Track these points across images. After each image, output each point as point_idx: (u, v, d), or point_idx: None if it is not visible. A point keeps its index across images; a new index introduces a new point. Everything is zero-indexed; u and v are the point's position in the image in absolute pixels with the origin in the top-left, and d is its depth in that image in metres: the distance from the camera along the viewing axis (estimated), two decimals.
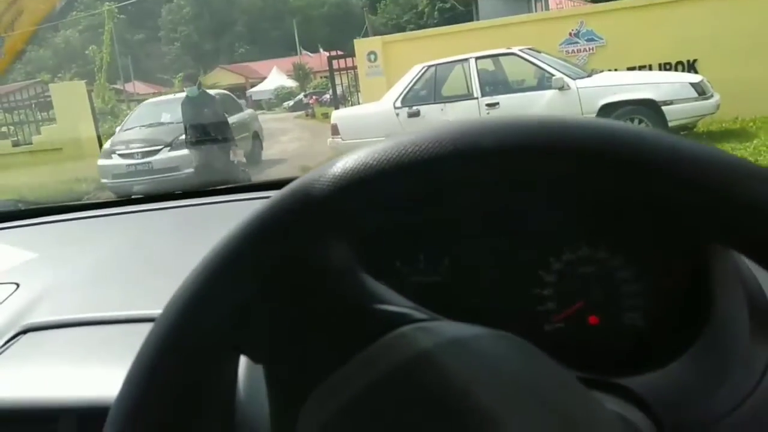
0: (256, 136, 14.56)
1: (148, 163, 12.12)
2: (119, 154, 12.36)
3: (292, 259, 0.57)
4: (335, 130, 10.66)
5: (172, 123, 12.50)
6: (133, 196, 2.05)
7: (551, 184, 0.55)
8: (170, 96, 14.63)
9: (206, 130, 9.98)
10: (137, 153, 12.27)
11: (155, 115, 13.62)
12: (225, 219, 1.32)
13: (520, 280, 0.97)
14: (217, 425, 0.95)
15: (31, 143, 16.11)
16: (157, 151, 12.25)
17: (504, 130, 0.54)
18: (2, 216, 2.02)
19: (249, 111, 16.34)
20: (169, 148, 12.17)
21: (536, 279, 0.97)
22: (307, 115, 23.97)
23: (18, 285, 1.51)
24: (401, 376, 0.57)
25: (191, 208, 1.90)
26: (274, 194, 0.59)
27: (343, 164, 0.57)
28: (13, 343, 1.28)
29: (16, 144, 16.36)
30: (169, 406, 0.59)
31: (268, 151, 14.82)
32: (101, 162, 12.50)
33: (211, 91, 12.61)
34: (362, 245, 0.61)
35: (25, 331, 1.30)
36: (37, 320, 1.32)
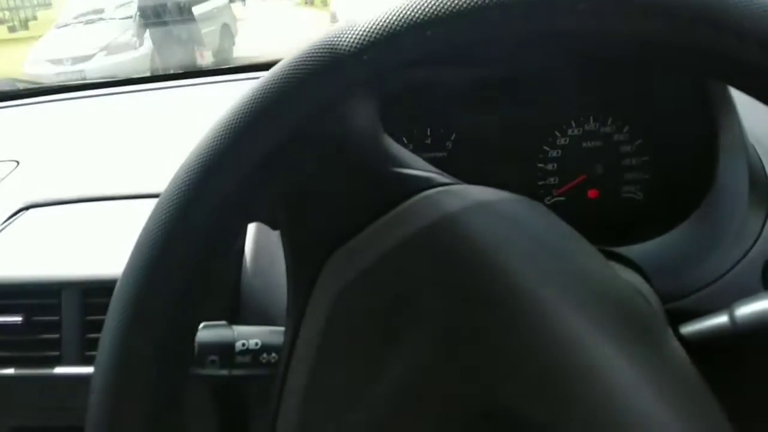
0: (227, 30, 11.46)
1: (80, 71, 9.58)
2: (47, 60, 9.91)
3: (317, 117, 0.55)
4: (334, 19, 10.40)
5: (114, 18, 10.36)
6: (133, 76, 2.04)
7: (575, 38, 0.53)
8: None
9: (162, 12, 8.39)
10: (67, 59, 9.87)
11: (96, 6, 10.90)
12: (223, 99, 1.33)
13: (524, 155, 1.00)
14: (224, 301, 0.98)
15: (27, 29, 15.92)
16: (90, 56, 9.89)
17: None
18: (2, 95, 2.02)
19: None
20: (105, 52, 9.92)
21: (541, 154, 1.00)
22: (306, 2, 23.64)
23: (18, 162, 1.53)
24: (427, 238, 0.58)
25: (188, 88, 1.90)
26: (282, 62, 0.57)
27: (372, 17, 0.54)
28: (14, 220, 1.30)
29: (12, 29, 16.17)
30: (177, 280, 0.58)
31: (251, 47, 13.57)
32: (27, 69, 9.75)
33: None
34: (386, 106, 0.61)
35: (26, 208, 1.32)
36: (38, 197, 1.34)
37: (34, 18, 16.40)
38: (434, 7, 0.51)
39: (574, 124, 1.03)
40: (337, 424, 0.59)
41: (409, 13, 0.51)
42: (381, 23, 0.52)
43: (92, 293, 1.11)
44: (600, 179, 1.03)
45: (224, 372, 0.77)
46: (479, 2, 0.50)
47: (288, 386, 0.62)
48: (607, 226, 0.97)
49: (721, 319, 0.69)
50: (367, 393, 0.58)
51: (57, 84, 2.18)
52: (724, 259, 0.83)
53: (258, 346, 0.78)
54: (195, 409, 1.01)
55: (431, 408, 0.57)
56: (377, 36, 0.52)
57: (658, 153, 1.01)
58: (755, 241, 0.82)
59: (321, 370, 0.59)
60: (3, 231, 1.27)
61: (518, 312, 0.55)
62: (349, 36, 0.53)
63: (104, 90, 1.96)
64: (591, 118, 1.02)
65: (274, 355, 0.78)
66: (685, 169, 0.96)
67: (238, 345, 0.78)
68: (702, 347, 0.67)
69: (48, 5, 16.44)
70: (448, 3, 0.50)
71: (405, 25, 0.52)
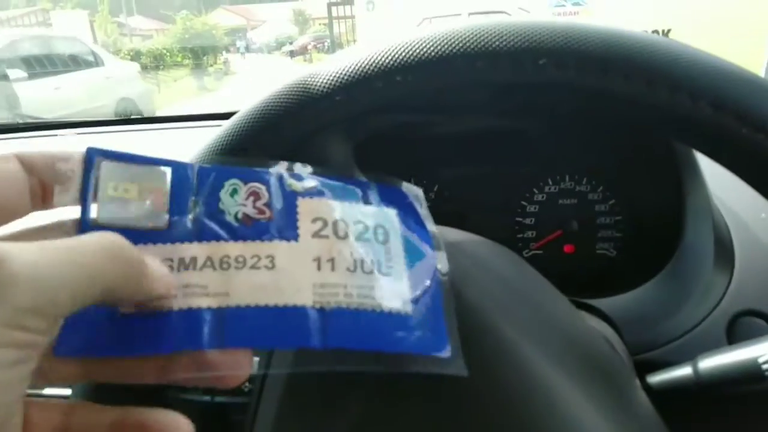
0: (127, 105, 9.36)
1: None
2: None
3: (289, 154, 0.54)
4: None
5: None
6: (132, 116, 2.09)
7: (551, 90, 0.55)
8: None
9: None
10: None
11: None
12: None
13: (504, 209, 1.03)
14: None
15: None
16: None
17: (515, 33, 0.54)
18: (4, 128, 2.07)
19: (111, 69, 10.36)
20: None
21: (519, 208, 1.03)
22: (305, 60, 23.95)
23: None
24: None
25: (172, 131, 1.95)
26: (255, 100, 0.59)
27: (346, 61, 0.56)
28: None
29: None
30: None
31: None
32: None
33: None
34: (370, 155, 0.63)
35: None
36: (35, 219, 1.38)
37: None
38: (405, 55, 0.54)
39: (550, 182, 1.06)
40: None
41: (380, 58, 0.54)
42: (354, 67, 0.55)
43: None
44: (576, 235, 1.06)
45: (207, 398, 0.77)
46: (447, 51, 0.53)
47: (260, 416, 0.63)
48: (581, 280, 0.99)
49: (685, 370, 0.70)
50: (330, 427, 0.58)
51: (55, 120, 2.24)
52: (691, 316, 0.84)
53: None
54: None
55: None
56: (349, 78, 0.55)
57: (630, 213, 1.04)
58: (720, 299, 0.84)
59: (289, 402, 0.60)
60: None
61: (479, 347, 0.56)
62: (323, 77, 0.56)
63: (104, 128, 2.00)
64: (567, 176, 1.05)
65: (247, 384, 0.77)
66: (655, 228, 0.98)
67: None
68: (666, 396, 0.70)
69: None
70: (418, 51, 0.53)
71: (376, 70, 0.54)
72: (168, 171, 0.44)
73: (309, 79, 0.57)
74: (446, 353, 0.47)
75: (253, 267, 0.44)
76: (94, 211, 0.41)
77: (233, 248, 0.44)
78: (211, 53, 21.42)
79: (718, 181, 0.92)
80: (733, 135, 0.49)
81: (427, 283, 0.49)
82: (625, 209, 1.03)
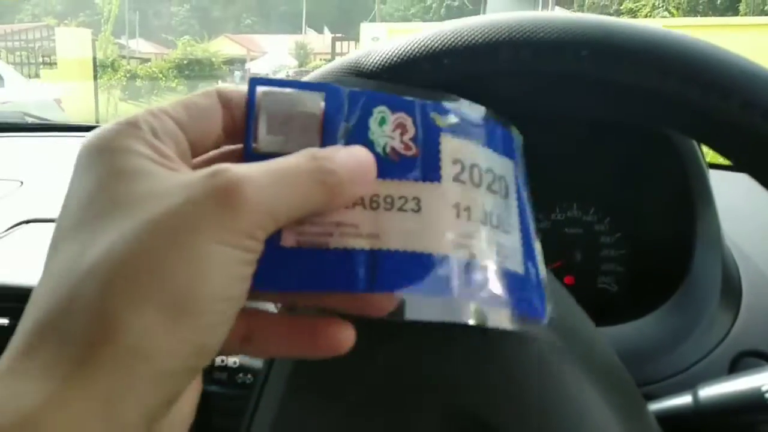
0: None
1: None
2: None
3: None
4: None
5: None
6: None
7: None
8: None
9: None
10: None
11: None
12: None
13: None
14: None
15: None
16: None
17: (562, 27, 0.55)
18: (11, 126, 2.14)
19: None
20: None
21: None
22: None
23: (22, 183, 1.62)
24: None
25: None
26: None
27: (395, 44, 0.58)
28: (13, 232, 1.38)
29: None
30: None
31: None
32: None
33: None
34: None
35: (26, 222, 1.41)
36: (37, 214, 1.43)
37: (37, 76, 16.52)
38: (453, 40, 0.55)
39: (557, 209, 1.05)
40: None
41: (429, 43, 0.56)
42: (402, 49, 0.56)
43: None
44: (577, 267, 1.04)
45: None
46: (494, 38, 0.54)
47: (259, 412, 0.61)
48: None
49: (684, 399, 0.70)
50: (333, 414, 0.58)
51: (61, 123, 2.30)
52: (693, 351, 0.83)
53: (236, 365, 0.80)
54: None
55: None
56: (398, 59, 0.56)
57: (636, 246, 1.02)
58: (725, 337, 0.83)
59: (290, 398, 0.59)
60: (1, 240, 1.35)
61: (517, 353, 0.56)
62: (373, 58, 0.57)
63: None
64: (575, 204, 1.04)
65: (250, 376, 0.80)
66: (660, 263, 0.97)
67: (218, 360, 0.80)
68: (665, 426, 0.67)
69: (53, 65, 16.58)
70: (467, 37, 0.55)
71: (425, 53, 0.56)
72: (321, 96, 0.45)
73: (362, 59, 0.58)
74: (544, 319, 0.47)
75: (400, 209, 0.44)
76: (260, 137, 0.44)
77: (382, 187, 0.44)
78: (206, 80, 21.30)
79: (729, 217, 0.92)
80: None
81: (533, 244, 0.49)
82: (631, 243, 1.03)
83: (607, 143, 0.93)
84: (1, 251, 1.31)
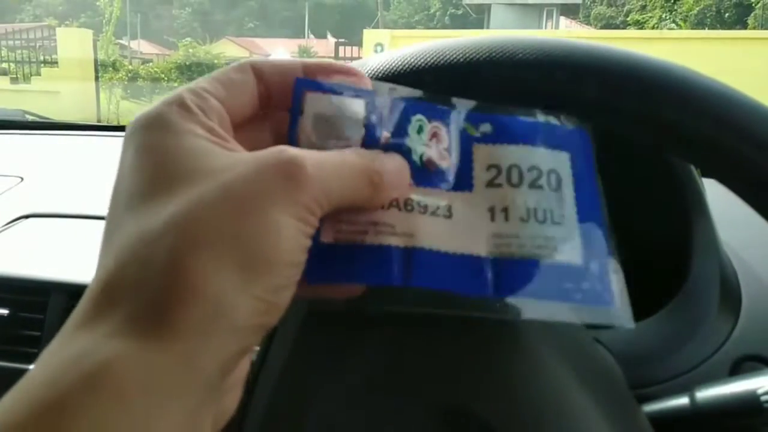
0: None
1: None
2: None
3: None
4: None
5: None
6: None
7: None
8: None
9: None
10: None
11: None
12: None
13: None
14: None
15: (30, 83, 16.07)
16: None
17: (547, 49, 0.57)
18: (12, 124, 2.15)
19: None
20: None
21: None
22: None
23: (22, 179, 1.63)
24: None
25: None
26: None
27: (399, 53, 0.60)
28: (13, 226, 1.40)
29: (14, 81, 16.31)
30: None
31: None
32: None
33: None
34: None
35: (26, 217, 1.42)
36: (37, 209, 1.44)
37: (38, 74, 16.54)
38: (438, 57, 0.58)
39: None
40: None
41: (412, 60, 0.59)
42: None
43: (79, 297, 1.14)
44: None
45: None
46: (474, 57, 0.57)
47: (253, 404, 0.63)
48: None
49: (681, 400, 0.70)
50: (323, 402, 0.59)
51: (61, 121, 2.32)
52: (693, 355, 0.83)
53: None
54: None
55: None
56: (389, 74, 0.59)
57: (634, 252, 0.96)
58: (725, 341, 0.83)
59: (283, 389, 0.61)
60: (1, 234, 1.36)
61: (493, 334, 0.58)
62: (368, 67, 0.60)
63: (109, 132, 2.06)
64: None
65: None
66: (659, 267, 0.95)
67: None
68: (662, 426, 0.69)
69: (54, 63, 16.60)
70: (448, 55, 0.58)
71: (407, 69, 0.59)
72: (363, 102, 0.47)
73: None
74: (613, 306, 0.49)
75: (432, 214, 0.47)
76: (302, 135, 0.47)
77: (416, 193, 0.47)
78: None
79: (726, 224, 0.94)
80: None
81: (597, 233, 0.50)
82: (628, 249, 1.00)
83: (602, 152, 0.93)
84: (2, 244, 1.32)
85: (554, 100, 0.56)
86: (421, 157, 0.47)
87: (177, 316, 0.36)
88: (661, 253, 0.96)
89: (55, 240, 1.35)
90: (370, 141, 0.47)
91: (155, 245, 0.38)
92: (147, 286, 0.37)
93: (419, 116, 0.48)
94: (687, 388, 0.72)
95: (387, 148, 0.47)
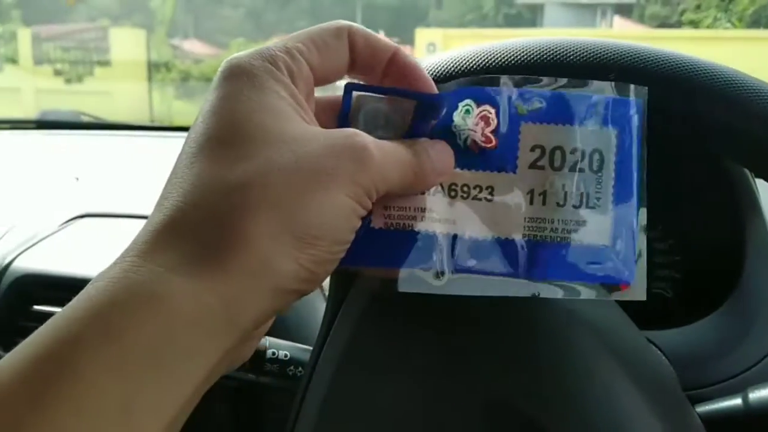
0: None
1: None
2: None
3: None
4: None
5: None
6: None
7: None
8: None
9: None
10: None
11: None
12: None
13: None
14: None
15: (83, 83, 16.19)
16: None
17: (601, 51, 0.60)
18: (67, 124, 2.17)
19: None
20: None
21: None
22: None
23: (78, 178, 1.65)
24: None
25: None
26: None
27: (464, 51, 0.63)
28: (69, 225, 1.41)
29: (68, 81, 16.44)
30: None
31: None
32: None
33: None
34: None
35: (81, 216, 1.44)
36: (92, 209, 1.46)
37: (91, 74, 16.66)
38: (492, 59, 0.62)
39: None
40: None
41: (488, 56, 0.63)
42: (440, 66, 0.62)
43: None
44: None
45: (251, 376, 0.82)
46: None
47: (306, 403, 0.66)
48: (631, 312, 1.00)
49: (734, 401, 0.70)
50: (379, 403, 0.62)
51: (115, 122, 2.34)
52: (747, 357, 0.83)
53: (287, 358, 0.82)
54: (208, 413, 1.07)
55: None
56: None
57: (688, 252, 1.02)
58: None
59: (337, 389, 0.63)
60: (57, 234, 1.37)
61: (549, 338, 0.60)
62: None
63: (160, 133, 2.08)
64: None
65: (300, 369, 0.82)
66: (713, 267, 0.97)
67: (269, 353, 0.82)
68: (714, 426, 0.69)
69: (107, 63, 16.72)
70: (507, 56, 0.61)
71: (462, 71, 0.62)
72: (413, 103, 0.50)
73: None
74: (631, 281, 0.51)
75: (474, 198, 0.50)
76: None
77: (460, 176, 0.50)
78: None
79: None
80: None
81: (630, 212, 0.51)
82: (683, 249, 1.03)
83: (656, 152, 0.93)
84: (58, 244, 1.34)
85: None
86: (465, 140, 0.50)
87: (227, 265, 0.40)
88: (715, 254, 0.98)
89: (110, 240, 1.36)
90: (417, 130, 0.50)
91: (223, 197, 0.41)
92: (209, 231, 0.41)
93: (467, 101, 0.50)
94: (740, 390, 0.72)
95: (433, 134, 0.50)
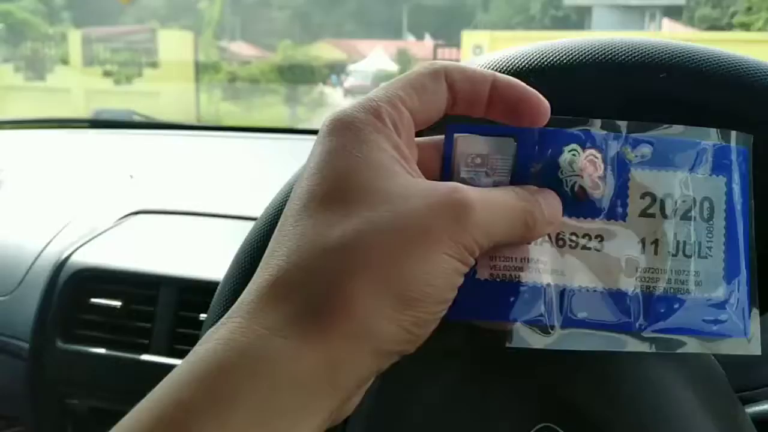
0: None
1: None
2: None
3: None
4: None
5: None
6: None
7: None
8: None
9: None
10: None
11: None
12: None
13: None
14: None
15: (131, 84, 16.35)
16: None
17: (649, 50, 0.58)
18: (120, 123, 2.22)
19: None
20: None
21: None
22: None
23: (132, 176, 1.68)
24: None
25: (275, 141, 2.09)
26: None
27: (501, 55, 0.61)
28: (124, 221, 1.45)
29: (117, 82, 16.60)
30: None
31: None
32: None
33: None
34: None
35: (136, 213, 1.47)
36: (147, 206, 1.49)
37: (140, 75, 16.81)
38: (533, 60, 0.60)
39: None
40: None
41: (522, 59, 0.61)
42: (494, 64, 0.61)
43: (188, 291, 1.22)
44: None
45: None
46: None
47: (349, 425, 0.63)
48: None
49: None
50: (426, 398, 0.61)
51: (168, 121, 2.38)
52: None
53: None
54: None
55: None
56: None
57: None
58: None
59: (384, 393, 0.62)
60: (114, 229, 1.41)
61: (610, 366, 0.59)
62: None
63: (213, 133, 2.11)
64: None
65: None
66: (764, 271, 0.92)
67: None
68: (764, 428, 0.67)
69: (154, 65, 16.86)
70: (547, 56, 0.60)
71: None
72: (513, 141, 0.48)
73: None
74: (747, 335, 0.48)
75: (583, 248, 0.47)
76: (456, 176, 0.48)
77: (567, 225, 0.48)
78: (307, 83, 21.44)
79: None
80: None
81: (742, 262, 0.49)
82: None
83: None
84: (114, 239, 1.38)
85: (662, 104, 0.57)
86: (572, 187, 0.48)
87: (333, 328, 0.39)
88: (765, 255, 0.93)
89: (164, 235, 1.39)
90: (521, 176, 0.48)
91: (324, 258, 0.40)
92: (310, 294, 0.40)
93: (573, 146, 0.48)
94: None
95: (538, 181, 0.48)
